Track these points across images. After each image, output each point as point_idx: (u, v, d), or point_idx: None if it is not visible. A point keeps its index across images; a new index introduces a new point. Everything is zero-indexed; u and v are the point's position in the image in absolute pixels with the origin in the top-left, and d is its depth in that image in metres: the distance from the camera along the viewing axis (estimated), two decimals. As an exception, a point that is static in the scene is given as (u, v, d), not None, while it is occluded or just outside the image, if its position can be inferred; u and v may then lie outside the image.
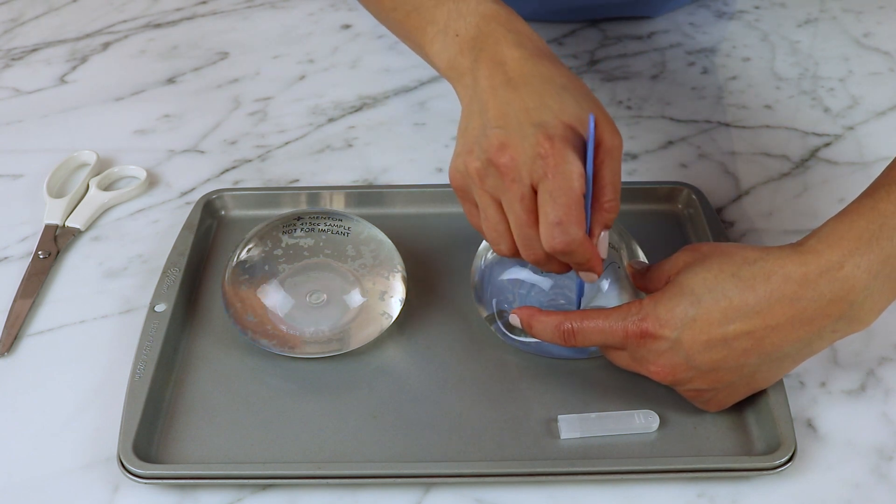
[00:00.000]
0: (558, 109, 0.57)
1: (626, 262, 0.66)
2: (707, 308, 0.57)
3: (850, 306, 0.56)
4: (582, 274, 0.60)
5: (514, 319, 0.62)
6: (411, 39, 0.69)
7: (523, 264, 0.66)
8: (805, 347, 0.58)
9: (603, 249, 0.59)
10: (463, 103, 0.62)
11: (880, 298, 0.57)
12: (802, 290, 0.56)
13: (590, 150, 0.56)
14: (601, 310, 0.60)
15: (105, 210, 0.82)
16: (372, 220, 0.71)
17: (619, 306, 0.59)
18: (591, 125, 0.55)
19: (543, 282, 0.65)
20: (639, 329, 0.57)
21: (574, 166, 0.55)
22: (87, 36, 1.07)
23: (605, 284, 0.65)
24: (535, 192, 0.56)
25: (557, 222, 0.55)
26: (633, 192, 0.80)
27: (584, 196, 0.56)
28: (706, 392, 0.60)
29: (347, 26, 1.08)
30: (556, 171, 0.55)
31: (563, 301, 0.65)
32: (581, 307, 0.64)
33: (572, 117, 0.57)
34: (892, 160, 0.61)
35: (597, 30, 1.06)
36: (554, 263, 0.59)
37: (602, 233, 0.59)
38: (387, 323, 0.67)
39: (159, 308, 0.68)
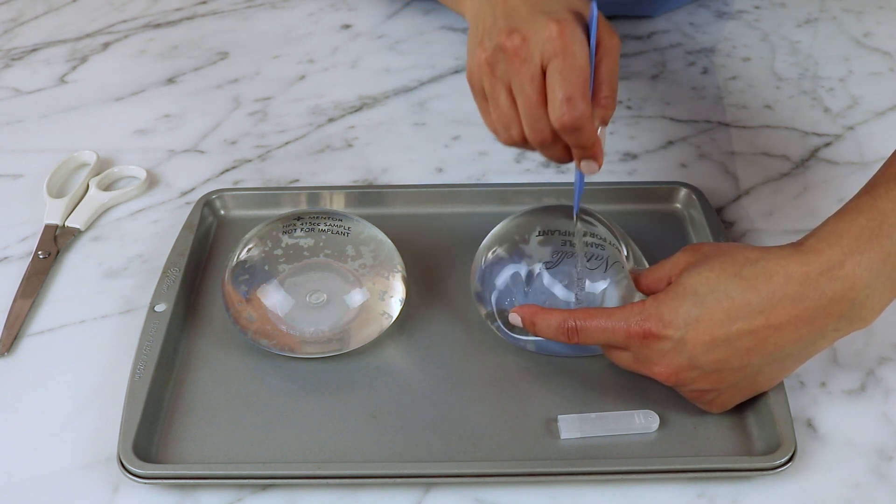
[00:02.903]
0: (564, 1, 0.60)
1: (627, 263, 0.66)
2: (710, 308, 0.57)
3: (851, 305, 0.56)
4: (584, 164, 0.61)
5: (515, 318, 0.62)
6: None
7: (523, 264, 0.66)
8: (807, 347, 0.58)
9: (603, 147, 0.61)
10: (471, 17, 0.64)
11: (881, 296, 0.57)
12: (804, 289, 0.56)
13: (592, 33, 0.58)
14: (604, 309, 0.60)
15: (105, 210, 0.82)
16: (372, 220, 0.71)
17: (623, 306, 0.59)
18: (594, 11, 0.58)
19: (543, 280, 0.65)
20: (642, 329, 0.58)
21: (582, 47, 0.58)
22: (87, 36, 1.07)
23: (606, 284, 0.65)
24: (543, 73, 0.58)
25: (567, 97, 0.57)
26: (633, 192, 0.80)
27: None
28: (709, 393, 0.60)
29: (347, 26, 1.08)
30: (566, 52, 0.57)
31: (561, 299, 0.65)
32: (582, 284, 0.64)
33: (577, 7, 0.60)
34: (888, 157, 0.61)
35: (597, 30, 1.06)
36: (559, 148, 0.61)
37: (600, 129, 0.60)
38: (387, 323, 0.67)
39: (159, 308, 0.68)
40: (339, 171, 0.86)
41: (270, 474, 0.59)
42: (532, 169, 0.85)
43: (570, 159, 0.62)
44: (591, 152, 0.60)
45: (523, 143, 0.62)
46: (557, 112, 0.58)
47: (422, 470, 0.59)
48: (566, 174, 0.83)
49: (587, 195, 0.78)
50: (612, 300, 0.65)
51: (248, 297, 0.66)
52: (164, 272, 0.71)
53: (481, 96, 0.63)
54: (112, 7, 1.13)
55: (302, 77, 0.99)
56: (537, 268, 0.66)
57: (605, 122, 0.61)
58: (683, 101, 0.95)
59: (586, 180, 0.65)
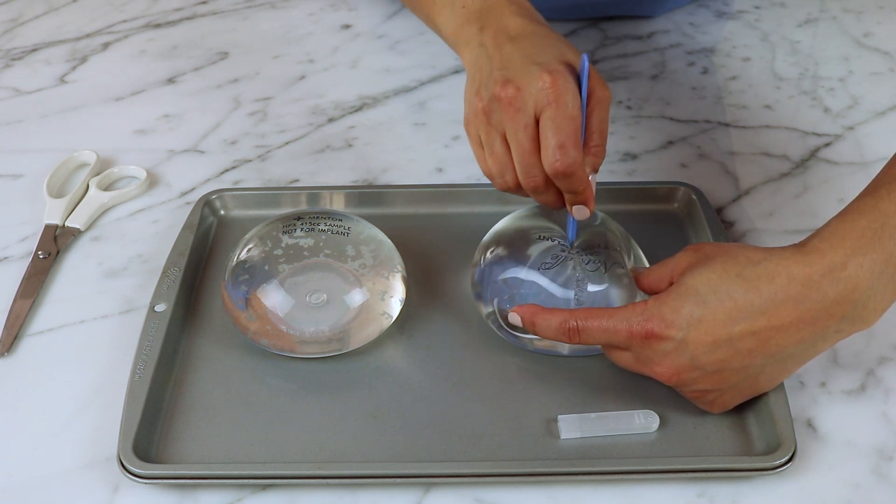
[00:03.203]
0: (557, 53, 0.63)
1: (628, 264, 0.66)
2: (712, 309, 0.57)
3: (853, 306, 0.56)
4: (575, 209, 0.63)
5: (515, 318, 0.62)
6: (420, 10, 0.76)
7: (523, 263, 0.66)
8: (809, 348, 0.58)
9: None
10: (468, 65, 0.67)
11: (883, 297, 0.57)
12: (807, 290, 0.56)
13: (584, 83, 0.61)
14: (606, 309, 0.60)
15: (105, 210, 0.82)
16: (372, 220, 0.71)
17: (624, 306, 0.59)
18: (585, 62, 0.60)
19: (542, 280, 0.65)
20: (643, 329, 0.57)
21: (574, 97, 0.60)
22: (87, 36, 1.07)
23: (606, 284, 0.65)
24: (536, 122, 0.61)
25: (559, 145, 0.59)
26: (633, 192, 0.80)
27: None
28: (710, 393, 0.60)
29: (347, 26, 1.08)
30: (558, 101, 0.60)
31: (561, 298, 0.65)
32: (582, 283, 0.64)
33: (569, 59, 0.63)
34: (890, 158, 0.61)
35: (597, 30, 1.06)
36: (551, 193, 0.63)
37: (591, 176, 0.63)
38: (387, 323, 0.67)
39: (159, 308, 0.68)
40: (339, 171, 0.86)
41: (270, 474, 0.59)
42: (532, 169, 0.85)
43: (563, 204, 0.64)
44: (583, 197, 0.63)
45: (517, 188, 0.64)
46: (550, 159, 0.60)
47: (422, 470, 0.59)
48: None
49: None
50: (613, 300, 0.65)
51: (248, 297, 0.66)
52: (164, 272, 0.71)
53: (478, 144, 0.66)
54: (112, 7, 1.13)
55: (302, 77, 0.99)
56: (537, 267, 0.66)
57: (595, 170, 0.63)
58: (683, 101, 0.95)
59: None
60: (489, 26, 0.66)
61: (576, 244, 0.66)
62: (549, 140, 0.60)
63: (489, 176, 0.66)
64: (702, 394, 0.60)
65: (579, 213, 0.64)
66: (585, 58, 0.61)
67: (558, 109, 0.60)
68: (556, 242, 0.66)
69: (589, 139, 0.62)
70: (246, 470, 0.59)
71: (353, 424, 0.62)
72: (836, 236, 0.57)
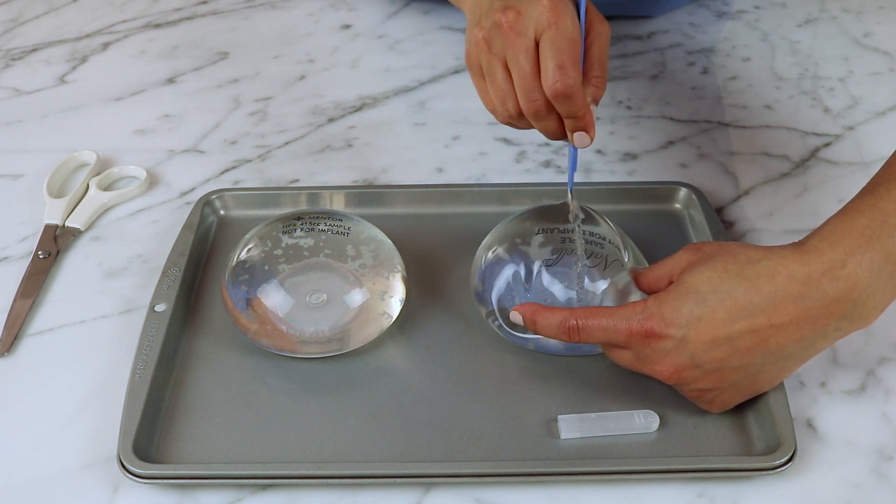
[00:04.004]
0: None
1: (627, 262, 0.66)
2: (712, 307, 0.57)
3: (853, 305, 0.56)
4: (576, 136, 0.63)
5: (516, 317, 0.62)
6: None
7: (523, 263, 0.66)
8: (809, 346, 0.58)
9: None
10: (469, 8, 0.68)
11: (883, 296, 0.57)
12: (806, 289, 0.56)
13: (582, 12, 0.63)
14: (606, 308, 0.60)
15: (105, 210, 0.82)
16: (372, 220, 0.71)
17: (624, 305, 0.59)
18: None
19: (543, 279, 0.65)
20: (644, 328, 0.58)
21: (573, 21, 0.62)
22: (87, 36, 1.07)
23: (606, 283, 0.65)
24: (537, 46, 0.62)
25: (559, 65, 0.60)
26: (633, 192, 0.80)
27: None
28: (710, 392, 0.60)
29: (347, 26, 1.08)
30: (558, 24, 0.61)
31: (561, 297, 0.65)
32: (582, 282, 0.64)
33: None
34: (889, 157, 0.61)
35: (597, 30, 1.06)
36: (552, 119, 0.64)
37: (591, 107, 0.63)
38: (387, 323, 0.67)
39: (159, 308, 0.68)
40: (339, 171, 0.86)
41: (270, 474, 0.59)
42: (532, 169, 0.85)
43: (564, 133, 0.64)
44: (583, 123, 0.63)
45: (519, 117, 0.65)
46: (550, 80, 0.61)
47: (422, 470, 0.59)
48: (565, 175, 0.83)
49: (587, 196, 0.79)
50: (613, 299, 0.65)
51: (248, 297, 0.66)
52: (164, 272, 0.71)
53: (479, 76, 0.66)
54: (112, 7, 1.13)
55: (302, 77, 0.99)
56: (537, 267, 0.66)
57: (595, 101, 0.64)
58: (683, 101, 0.95)
59: (580, 164, 0.68)
60: None
61: (576, 240, 0.66)
62: (549, 61, 0.61)
63: (491, 108, 0.66)
64: (702, 393, 0.60)
65: (580, 139, 0.64)
66: None
67: (558, 32, 0.61)
68: (556, 241, 0.66)
69: (589, 70, 0.64)
70: (246, 470, 0.59)
71: (353, 424, 0.62)
72: (835, 235, 0.57)
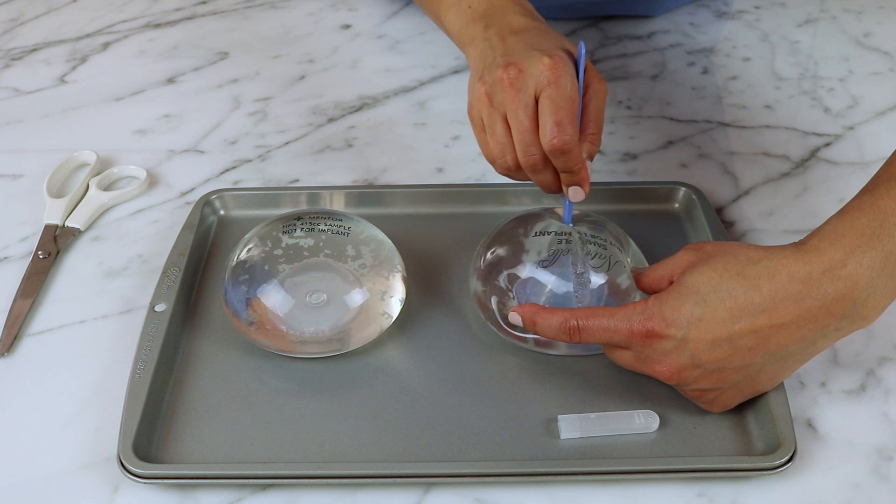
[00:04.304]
0: (557, 42, 0.67)
1: (627, 264, 0.66)
2: (713, 307, 0.57)
3: (853, 304, 0.56)
4: (571, 191, 0.66)
5: (515, 318, 0.62)
6: (428, 8, 0.79)
7: (523, 264, 0.66)
8: (809, 346, 0.58)
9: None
10: (472, 60, 0.70)
11: (883, 295, 0.57)
12: (806, 289, 0.56)
13: (581, 67, 0.65)
14: (606, 308, 0.60)
15: (105, 210, 0.82)
16: (372, 220, 0.71)
17: (624, 305, 0.59)
18: (582, 49, 0.64)
19: (543, 279, 0.65)
20: (644, 328, 0.58)
21: (572, 80, 0.64)
22: (87, 36, 1.07)
23: (606, 283, 0.65)
24: (536, 103, 0.64)
25: (557, 122, 0.62)
26: (633, 192, 0.80)
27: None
28: (710, 392, 0.60)
29: (347, 26, 1.08)
30: (557, 82, 0.63)
31: (561, 297, 0.65)
32: (582, 283, 0.65)
33: (568, 48, 0.66)
34: (889, 156, 0.61)
35: (597, 30, 1.06)
36: (548, 172, 0.65)
37: (587, 163, 0.65)
38: (387, 323, 0.67)
39: (159, 308, 0.68)
40: (339, 171, 0.86)
41: (270, 474, 0.59)
42: (532, 169, 0.85)
43: (559, 186, 0.66)
44: (578, 178, 0.65)
45: (517, 169, 0.67)
46: (548, 135, 0.63)
47: (422, 470, 0.59)
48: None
49: (588, 195, 0.78)
50: (613, 299, 0.65)
51: (248, 297, 0.66)
52: (164, 272, 0.71)
53: (480, 128, 0.68)
54: (112, 7, 1.13)
55: (302, 77, 0.99)
56: (537, 267, 0.66)
57: (590, 157, 0.66)
58: (683, 101, 0.95)
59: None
60: (493, 25, 0.70)
61: (576, 243, 0.66)
62: (548, 118, 0.63)
63: (490, 159, 0.68)
64: (702, 393, 0.60)
65: (575, 194, 0.66)
66: (582, 45, 0.64)
67: (557, 89, 0.63)
68: (552, 234, 0.66)
69: (586, 127, 0.66)
70: (246, 470, 0.59)
71: (353, 424, 0.62)
72: (835, 234, 0.57)
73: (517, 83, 0.64)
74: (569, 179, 0.65)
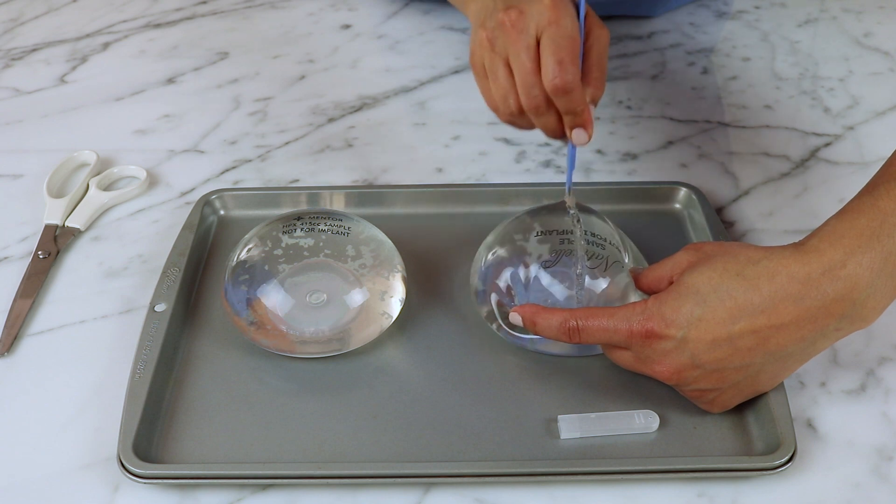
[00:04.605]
0: None
1: (627, 264, 0.66)
2: (712, 307, 0.57)
3: (853, 304, 0.56)
4: (574, 133, 0.65)
5: (515, 318, 0.62)
6: None
7: (523, 264, 0.66)
8: (809, 346, 0.58)
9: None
10: (473, 14, 0.70)
11: (883, 296, 0.57)
12: (806, 289, 0.56)
13: (581, 13, 0.65)
14: (606, 308, 0.60)
15: (105, 210, 0.82)
16: (372, 220, 0.71)
17: (624, 306, 0.59)
18: None
19: (543, 280, 0.65)
20: (644, 329, 0.58)
21: (573, 20, 0.64)
22: (87, 36, 1.07)
23: (606, 283, 0.65)
24: (538, 44, 0.64)
25: (559, 61, 0.62)
26: (633, 192, 0.80)
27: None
28: (710, 392, 0.60)
29: (347, 26, 1.08)
30: (558, 22, 0.63)
31: (561, 298, 0.65)
32: (582, 283, 0.64)
33: None
34: (889, 156, 0.61)
35: (597, 30, 1.06)
36: (551, 115, 0.65)
37: (591, 106, 0.65)
38: (387, 323, 0.67)
39: (159, 308, 0.68)
40: (339, 171, 0.86)
41: (270, 474, 0.59)
42: (532, 169, 0.85)
43: (563, 130, 0.66)
44: (581, 119, 0.65)
45: (520, 114, 0.67)
46: (550, 75, 0.63)
47: (422, 470, 0.59)
48: (565, 174, 0.83)
49: (587, 196, 0.79)
50: (613, 299, 0.65)
51: (248, 297, 0.66)
52: (164, 272, 0.71)
53: (482, 75, 0.68)
54: (112, 7, 1.13)
55: (302, 77, 0.99)
56: (537, 267, 0.66)
57: (594, 102, 0.66)
58: (683, 101, 0.95)
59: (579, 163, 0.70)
60: None
61: (576, 242, 0.66)
62: (549, 58, 0.63)
63: (493, 106, 0.68)
64: (702, 393, 0.60)
65: (578, 136, 0.65)
66: None
67: (558, 29, 0.63)
68: (556, 242, 0.66)
69: (588, 71, 0.65)
70: (246, 470, 0.59)
71: (353, 424, 0.62)
72: (834, 235, 0.57)
73: (518, 25, 0.64)
74: (572, 121, 0.65)
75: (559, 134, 0.66)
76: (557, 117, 0.65)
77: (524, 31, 0.64)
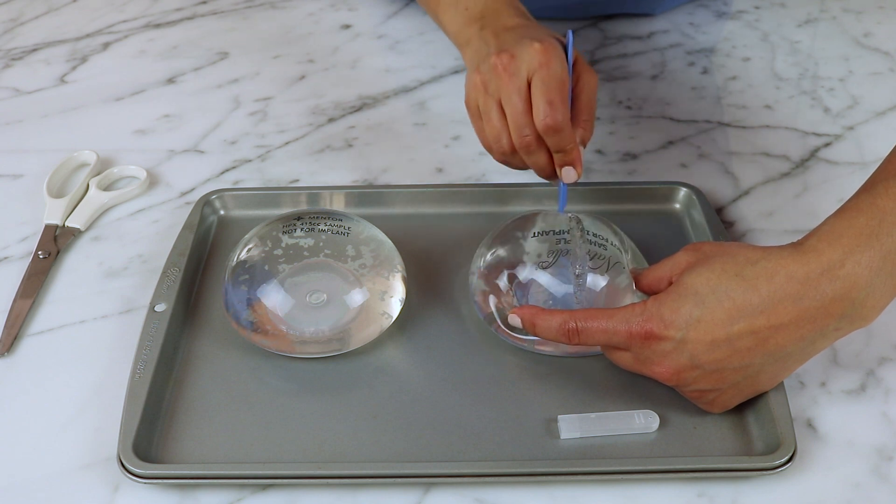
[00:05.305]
0: (547, 33, 0.71)
1: (627, 263, 0.66)
2: (711, 308, 0.57)
3: (852, 304, 0.56)
4: (564, 171, 0.68)
5: (515, 319, 0.62)
6: (428, 6, 0.82)
7: (523, 265, 0.66)
8: (808, 346, 0.58)
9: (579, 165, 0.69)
10: (469, 58, 0.73)
11: (882, 295, 0.57)
12: (805, 289, 0.56)
13: (569, 52, 0.69)
14: (605, 310, 0.60)
15: (105, 210, 0.82)
16: (372, 220, 0.71)
17: (623, 307, 0.59)
18: (570, 36, 0.69)
19: (543, 281, 0.65)
20: (643, 330, 0.58)
21: (562, 63, 0.68)
22: (87, 36, 1.07)
23: (606, 284, 0.65)
24: (529, 86, 0.67)
25: (549, 101, 0.66)
26: (633, 192, 0.80)
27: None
28: (710, 392, 0.60)
29: (347, 26, 1.08)
30: (548, 65, 0.67)
31: (561, 299, 0.65)
32: (581, 284, 0.64)
33: (558, 36, 0.71)
34: (887, 155, 0.61)
35: (597, 30, 1.06)
36: (542, 154, 0.68)
37: (580, 148, 0.69)
38: (387, 323, 0.67)
39: (159, 308, 0.68)
40: (339, 171, 0.86)
41: (270, 474, 0.59)
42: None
43: (553, 169, 0.69)
44: (571, 157, 0.68)
45: (512, 153, 0.70)
46: (541, 115, 0.66)
47: (422, 470, 0.59)
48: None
49: (587, 196, 0.79)
50: (612, 300, 0.65)
51: (248, 297, 0.66)
52: (164, 272, 0.71)
53: (476, 116, 0.71)
54: (112, 7, 1.13)
55: (302, 77, 0.99)
56: (537, 268, 0.66)
57: (583, 144, 0.69)
58: (683, 101, 0.95)
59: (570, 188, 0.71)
60: (488, 26, 0.73)
61: (576, 244, 0.66)
62: (540, 99, 0.66)
63: (487, 146, 0.71)
64: (701, 393, 0.60)
65: (567, 175, 0.68)
66: (570, 33, 0.69)
67: (548, 72, 0.66)
68: (552, 235, 0.66)
69: (578, 115, 0.69)
70: (246, 470, 0.59)
71: (353, 424, 0.62)
72: (833, 234, 0.57)
73: (510, 68, 0.67)
74: (562, 159, 0.68)
75: (549, 172, 0.69)
76: (548, 156, 0.69)
77: (516, 75, 0.67)
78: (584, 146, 0.69)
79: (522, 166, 0.71)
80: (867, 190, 0.59)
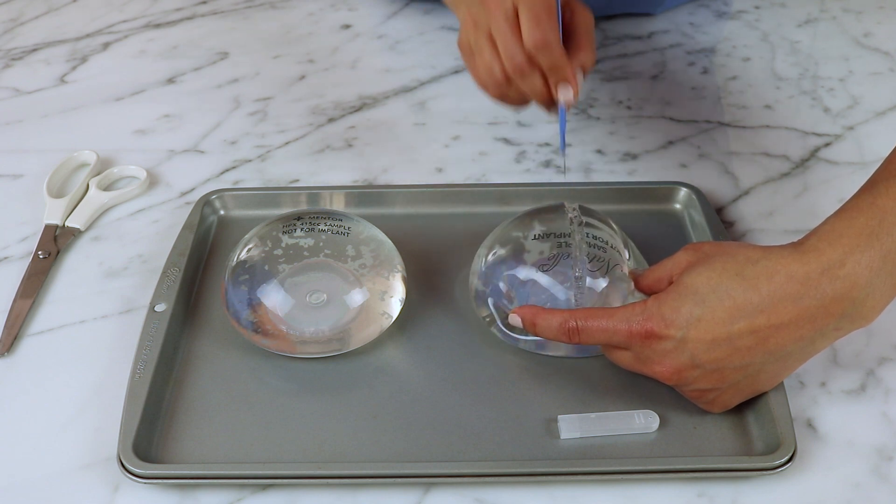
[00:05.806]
0: None
1: (626, 263, 0.66)
2: (712, 308, 0.57)
3: (852, 304, 0.56)
4: (560, 90, 0.68)
5: (515, 319, 0.62)
6: None
7: (523, 265, 0.66)
8: (808, 346, 0.58)
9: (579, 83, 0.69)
10: (461, 13, 0.73)
11: (882, 294, 0.57)
12: (805, 288, 0.56)
13: None
14: (606, 309, 0.60)
15: (105, 210, 0.82)
16: (372, 220, 0.71)
17: (624, 306, 0.59)
18: None
19: (543, 281, 0.65)
20: (643, 329, 0.58)
21: None
22: (87, 36, 1.07)
23: (606, 284, 0.65)
24: (517, 14, 0.67)
25: (535, 19, 0.66)
26: (633, 192, 0.80)
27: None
28: (710, 392, 0.60)
29: (347, 26, 1.08)
30: None
31: (561, 300, 0.65)
32: (581, 284, 0.64)
33: None
34: (888, 155, 0.61)
35: (597, 30, 1.06)
36: (536, 76, 0.68)
37: (579, 74, 0.68)
38: (387, 323, 0.67)
39: (159, 308, 0.68)
40: (339, 171, 0.86)
41: (270, 474, 0.59)
42: (532, 169, 0.85)
43: (550, 93, 0.68)
44: (564, 74, 0.67)
45: (507, 82, 0.69)
46: (528, 34, 0.66)
47: (422, 470, 0.59)
48: (565, 175, 0.83)
49: (587, 196, 0.79)
50: (612, 300, 0.65)
51: (248, 297, 0.66)
52: (164, 272, 0.71)
53: (469, 55, 0.71)
54: (112, 7, 1.13)
55: (302, 77, 0.99)
56: (536, 269, 0.66)
57: (585, 69, 0.69)
58: (683, 101, 0.95)
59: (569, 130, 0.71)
60: None
61: (576, 244, 0.66)
62: (527, 18, 0.66)
63: (482, 83, 0.71)
64: (702, 393, 0.60)
65: (564, 93, 0.68)
66: None
67: None
68: (553, 236, 0.66)
69: (578, 41, 0.69)
70: (246, 470, 0.59)
71: (353, 424, 0.62)
72: (833, 234, 0.57)
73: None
74: (556, 78, 0.68)
75: (546, 96, 0.69)
76: (543, 79, 0.68)
77: (502, 4, 0.67)
78: (586, 72, 0.69)
79: (520, 100, 0.71)
80: (867, 190, 0.59)
